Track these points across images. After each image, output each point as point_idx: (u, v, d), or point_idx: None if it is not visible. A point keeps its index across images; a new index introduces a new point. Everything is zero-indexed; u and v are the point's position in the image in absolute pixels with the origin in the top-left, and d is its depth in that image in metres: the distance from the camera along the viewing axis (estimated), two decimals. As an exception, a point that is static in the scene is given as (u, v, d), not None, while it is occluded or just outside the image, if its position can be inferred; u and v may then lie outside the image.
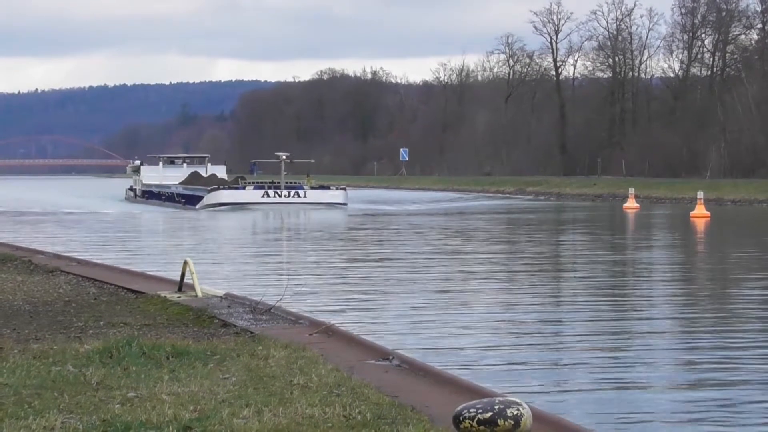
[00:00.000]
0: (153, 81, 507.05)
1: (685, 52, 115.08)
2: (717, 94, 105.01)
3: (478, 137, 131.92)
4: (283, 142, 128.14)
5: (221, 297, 15.38)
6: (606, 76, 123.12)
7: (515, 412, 6.27)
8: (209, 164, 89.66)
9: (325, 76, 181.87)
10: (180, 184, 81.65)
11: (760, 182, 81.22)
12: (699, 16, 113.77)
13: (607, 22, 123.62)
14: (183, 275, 15.98)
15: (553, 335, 17.05)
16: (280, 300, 14.34)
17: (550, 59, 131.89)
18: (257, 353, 10.36)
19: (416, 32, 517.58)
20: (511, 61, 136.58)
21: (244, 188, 71.77)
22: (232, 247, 36.97)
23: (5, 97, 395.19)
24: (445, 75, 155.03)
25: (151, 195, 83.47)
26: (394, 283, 24.31)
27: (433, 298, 21.54)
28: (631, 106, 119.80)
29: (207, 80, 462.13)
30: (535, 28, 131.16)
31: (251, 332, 12.05)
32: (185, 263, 15.87)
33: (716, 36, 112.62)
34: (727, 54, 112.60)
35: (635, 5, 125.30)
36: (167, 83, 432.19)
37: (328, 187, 74.09)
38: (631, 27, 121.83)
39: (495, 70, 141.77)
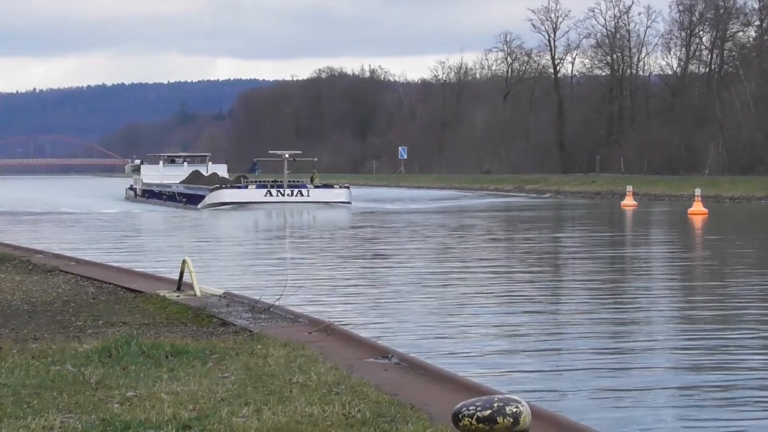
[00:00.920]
0: (151, 80, 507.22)
1: (683, 49, 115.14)
2: (715, 91, 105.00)
3: (476, 135, 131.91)
4: (282, 141, 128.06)
5: (220, 296, 15.38)
6: (604, 73, 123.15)
7: (514, 410, 6.27)
8: (210, 163, 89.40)
9: (324, 75, 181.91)
10: (181, 183, 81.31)
11: (759, 179, 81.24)
12: (697, 14, 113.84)
13: (605, 19, 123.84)
14: (182, 274, 15.98)
15: (552, 332, 17.05)
16: (279, 299, 14.34)
17: (548, 57, 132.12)
18: (256, 352, 10.36)
19: (415, 31, 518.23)
20: (509, 59, 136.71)
21: (246, 187, 71.37)
22: (232, 246, 36.97)
23: (4, 97, 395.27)
24: (443, 73, 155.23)
25: (152, 194, 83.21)
26: (394, 281, 24.31)
27: (433, 296, 21.53)
28: (630, 104, 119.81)
29: (205, 79, 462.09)
30: (533, 26, 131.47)
31: (250, 331, 12.05)
32: (184, 262, 15.87)
33: (714, 33, 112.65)
34: (725, 51, 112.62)
35: (633, 3, 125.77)
36: (165, 82, 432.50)
37: (331, 186, 73.60)
38: (629, 24, 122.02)
39: (493, 68, 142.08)
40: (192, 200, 71.84)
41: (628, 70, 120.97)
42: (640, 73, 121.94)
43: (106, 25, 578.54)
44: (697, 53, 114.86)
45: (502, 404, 6.28)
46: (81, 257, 23.63)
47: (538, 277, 25.82)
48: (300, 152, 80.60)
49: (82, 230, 46.64)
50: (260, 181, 74.13)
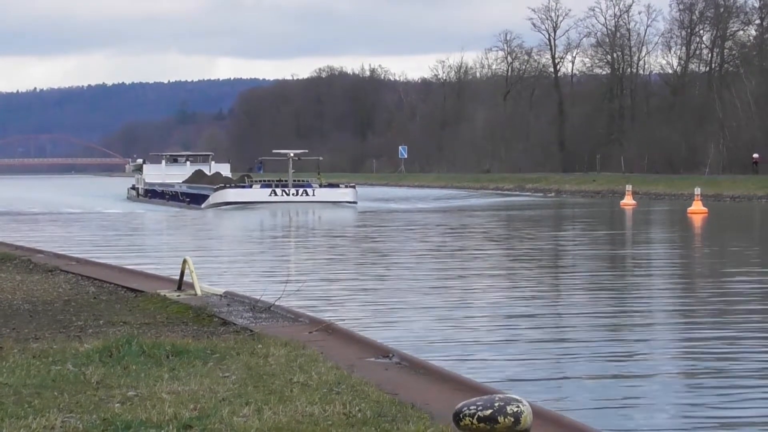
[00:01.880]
0: (151, 80, 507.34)
1: (684, 48, 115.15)
2: (715, 90, 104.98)
3: (476, 134, 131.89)
4: (282, 141, 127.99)
5: (221, 295, 15.37)
6: (604, 72, 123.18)
7: (515, 409, 6.27)
8: (213, 162, 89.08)
9: (324, 74, 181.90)
10: (184, 182, 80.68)
11: (759, 178, 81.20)
12: (697, 13, 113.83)
13: (605, 18, 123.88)
14: (182, 274, 15.97)
15: (553, 332, 17.05)
16: (280, 298, 14.33)
17: (548, 56, 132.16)
18: (257, 351, 10.36)
19: (415, 30, 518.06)
20: (509, 58, 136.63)
21: (250, 187, 70.60)
22: (233, 246, 36.96)
23: (4, 97, 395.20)
24: (443, 72, 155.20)
25: (155, 194, 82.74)
26: (394, 280, 24.31)
27: (434, 295, 21.53)
28: (630, 103, 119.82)
29: (206, 79, 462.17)
30: (534, 25, 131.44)
31: (251, 330, 12.04)
32: (184, 261, 15.86)
33: (714, 32, 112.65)
34: (726, 50, 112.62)
35: (633, 2, 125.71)
36: (166, 82, 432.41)
37: (337, 185, 72.84)
38: (629, 23, 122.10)
39: (493, 67, 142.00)
40: (195, 200, 71.33)
41: (629, 69, 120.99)
42: (641, 72, 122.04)
43: (106, 25, 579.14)
44: (698, 52, 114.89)
45: (503, 404, 6.28)
46: (82, 257, 23.62)
47: (538, 276, 25.82)
48: (306, 151, 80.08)
49: (84, 230, 46.61)
50: (265, 181, 73.46)
